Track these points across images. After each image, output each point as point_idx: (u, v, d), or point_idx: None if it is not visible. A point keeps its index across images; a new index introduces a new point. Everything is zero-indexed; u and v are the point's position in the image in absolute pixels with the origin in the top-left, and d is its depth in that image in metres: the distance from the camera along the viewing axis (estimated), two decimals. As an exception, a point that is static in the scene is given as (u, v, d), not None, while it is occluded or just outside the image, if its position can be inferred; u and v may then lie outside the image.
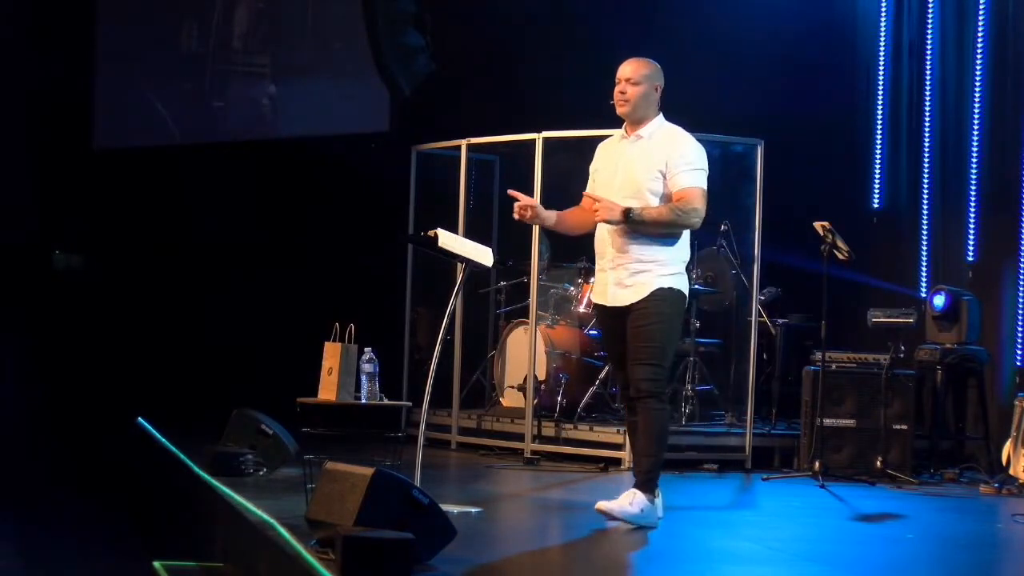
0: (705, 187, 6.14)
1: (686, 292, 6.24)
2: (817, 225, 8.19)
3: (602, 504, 6.04)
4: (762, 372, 9.55)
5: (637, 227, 6.07)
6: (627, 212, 6.04)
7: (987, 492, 7.86)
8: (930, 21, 9.89)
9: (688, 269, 9.20)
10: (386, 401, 6.34)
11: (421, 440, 6.36)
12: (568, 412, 8.98)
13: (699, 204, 6.10)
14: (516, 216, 6.22)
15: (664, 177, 6.11)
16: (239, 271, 11.48)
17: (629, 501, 6.01)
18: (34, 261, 12.17)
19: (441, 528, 5.09)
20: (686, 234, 6.23)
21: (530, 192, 8.95)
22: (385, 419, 6.64)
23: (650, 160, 6.14)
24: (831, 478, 8.00)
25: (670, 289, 6.12)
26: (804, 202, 9.52)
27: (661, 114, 6.27)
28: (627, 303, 6.13)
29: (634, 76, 6.17)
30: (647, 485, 6.04)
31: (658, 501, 6.10)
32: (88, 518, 8.02)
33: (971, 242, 9.39)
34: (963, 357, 8.79)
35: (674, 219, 6.10)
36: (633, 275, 6.12)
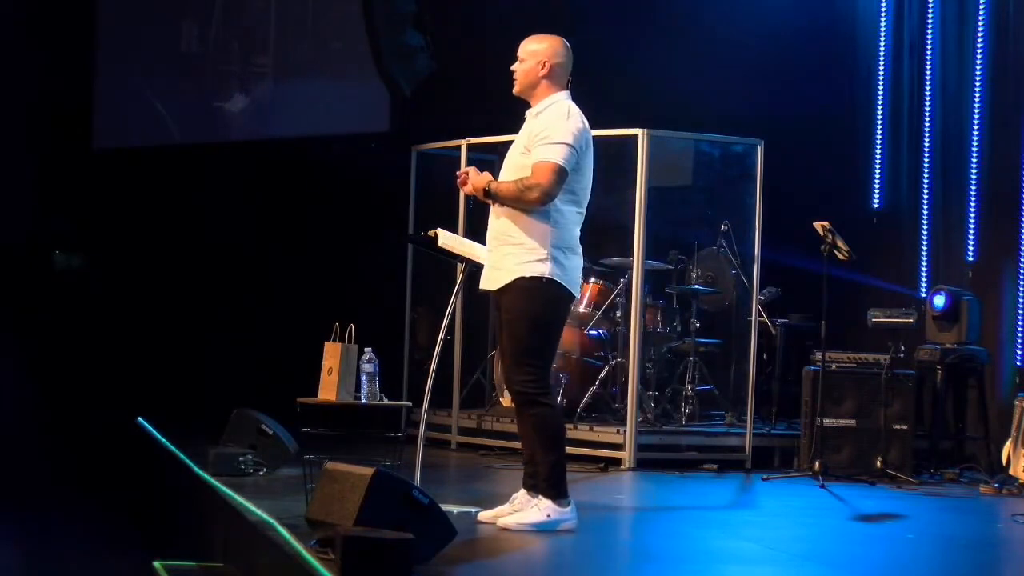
0: (560, 162, 5.75)
1: (560, 280, 5.82)
2: (817, 225, 8.19)
3: (503, 520, 5.90)
4: (762, 372, 9.55)
5: (496, 201, 5.90)
6: (490, 184, 5.89)
7: (987, 492, 7.86)
8: (930, 21, 9.89)
9: (685, 266, 9.34)
10: (386, 401, 6.33)
11: (421, 440, 6.36)
12: (568, 412, 8.97)
13: (544, 179, 5.74)
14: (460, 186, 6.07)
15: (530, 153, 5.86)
16: (239, 271, 11.47)
17: (531, 508, 5.86)
18: (34, 261, 12.16)
19: (441, 528, 5.09)
20: (562, 218, 5.86)
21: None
22: (385, 419, 6.65)
23: (527, 138, 5.92)
24: (831, 478, 8.00)
25: (534, 278, 5.79)
26: (804, 202, 9.51)
27: (562, 92, 5.97)
28: (493, 287, 5.93)
29: (520, 53, 6.03)
30: (551, 491, 5.85)
31: (570, 507, 5.88)
32: (88, 518, 8.02)
33: (971, 242, 9.39)
34: (963, 357, 8.80)
35: (516, 193, 5.82)
36: (502, 257, 5.90)
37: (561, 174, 5.78)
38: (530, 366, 5.82)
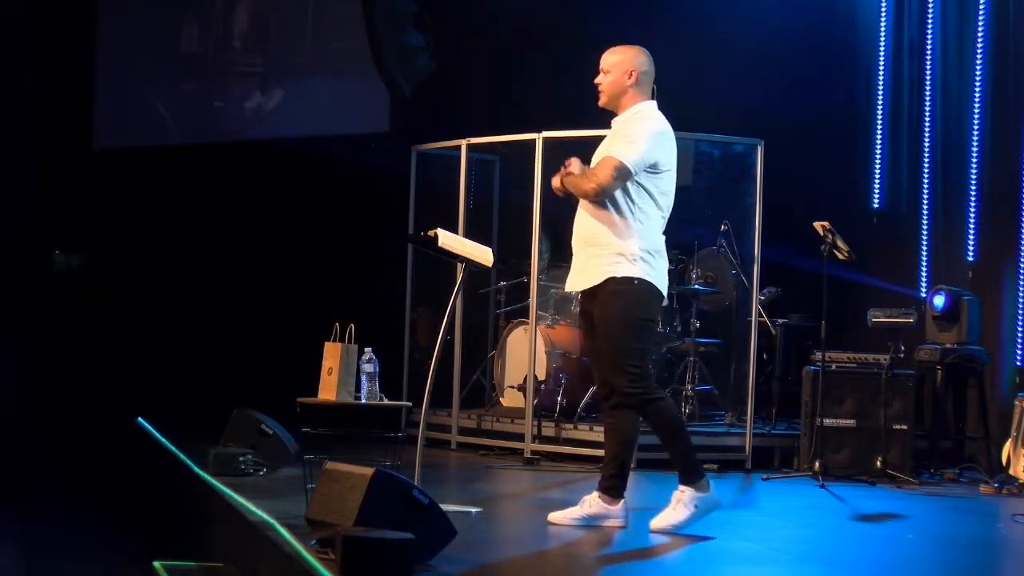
0: (625, 161, 5.80)
1: (652, 280, 5.88)
2: (817, 225, 8.19)
3: (654, 522, 5.98)
4: (762, 372, 9.55)
5: (569, 190, 5.97)
6: (563, 176, 5.97)
7: (987, 492, 7.86)
8: (930, 21, 9.89)
9: (685, 266, 9.33)
10: (386, 401, 6.33)
11: (421, 440, 6.36)
12: (568, 412, 8.98)
13: (603, 172, 5.81)
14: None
15: None
16: (239, 271, 11.48)
17: (676, 505, 5.95)
18: (34, 261, 12.17)
19: (441, 528, 5.09)
20: (648, 220, 5.91)
21: (530, 192, 8.97)
22: (385, 419, 6.65)
23: (609, 146, 5.99)
24: (831, 478, 8.01)
25: (625, 279, 5.85)
26: (804, 202, 9.52)
27: (646, 101, 6.03)
28: (582, 287, 5.99)
29: (604, 65, 6.07)
30: (689, 478, 5.94)
31: (711, 487, 5.96)
32: (88, 518, 8.02)
33: (971, 242, 9.39)
34: (963, 357, 8.80)
35: (578, 182, 5.90)
36: (589, 259, 5.96)
37: (622, 172, 5.83)
38: (632, 367, 5.87)
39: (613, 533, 5.96)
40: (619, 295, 5.87)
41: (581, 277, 6.01)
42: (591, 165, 6.06)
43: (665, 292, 6.04)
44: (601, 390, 6.13)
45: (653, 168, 5.90)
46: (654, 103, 6.07)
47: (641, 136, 5.88)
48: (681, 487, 5.97)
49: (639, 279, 5.87)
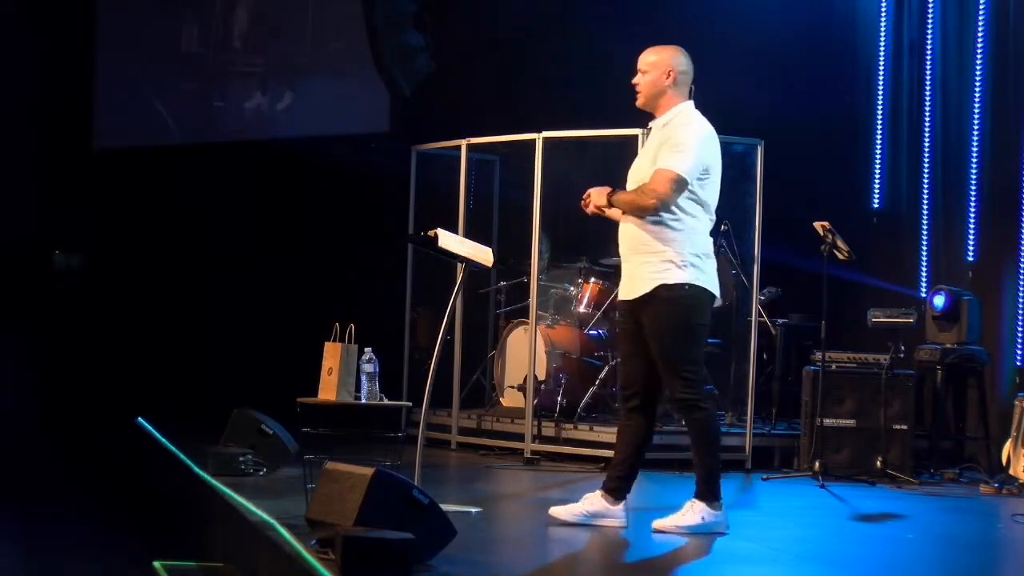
0: (681, 172, 5.79)
1: (703, 284, 5.88)
2: (817, 225, 8.19)
3: (656, 522, 5.99)
4: (762, 372, 9.55)
5: (621, 210, 5.94)
6: (610, 196, 5.95)
7: (987, 492, 7.86)
8: (930, 21, 9.89)
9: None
10: (386, 401, 6.33)
11: (421, 440, 6.36)
12: (568, 412, 8.98)
13: (661, 186, 5.78)
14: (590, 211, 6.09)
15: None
16: (239, 271, 11.48)
17: (685, 512, 5.96)
18: (34, 261, 12.17)
19: (441, 528, 5.09)
20: (697, 224, 5.90)
21: (530, 192, 8.97)
22: (385, 419, 6.66)
23: (655, 149, 5.96)
24: (831, 478, 8.01)
25: (676, 285, 5.83)
26: (804, 202, 9.51)
27: (686, 101, 6.01)
28: (633, 296, 5.95)
29: (641, 65, 6.03)
30: (708, 494, 5.95)
31: (724, 511, 5.99)
32: (88, 518, 8.02)
33: (971, 242, 9.39)
34: (963, 357, 8.80)
35: (634, 200, 5.87)
36: (638, 266, 5.93)
37: (680, 183, 5.81)
38: (687, 372, 5.87)
39: (613, 533, 5.96)
40: (671, 302, 5.85)
41: (631, 284, 5.98)
42: (632, 168, 6.05)
43: (717, 292, 6.01)
44: (626, 391, 6.10)
45: (704, 173, 5.90)
46: (692, 103, 6.04)
47: (690, 143, 5.86)
48: (695, 500, 5.97)
49: (690, 284, 5.86)
